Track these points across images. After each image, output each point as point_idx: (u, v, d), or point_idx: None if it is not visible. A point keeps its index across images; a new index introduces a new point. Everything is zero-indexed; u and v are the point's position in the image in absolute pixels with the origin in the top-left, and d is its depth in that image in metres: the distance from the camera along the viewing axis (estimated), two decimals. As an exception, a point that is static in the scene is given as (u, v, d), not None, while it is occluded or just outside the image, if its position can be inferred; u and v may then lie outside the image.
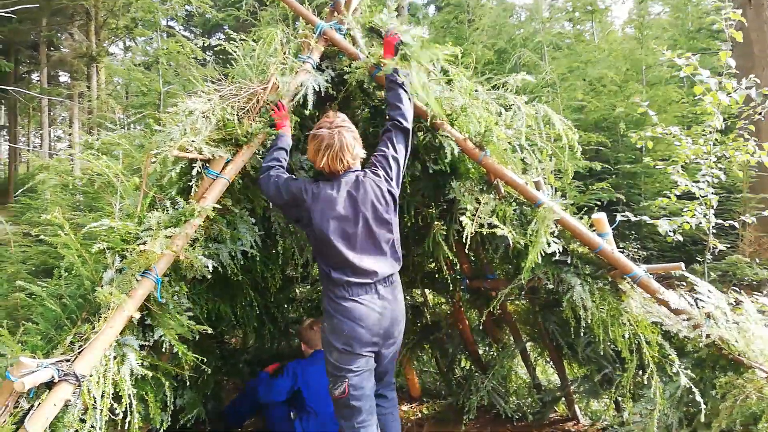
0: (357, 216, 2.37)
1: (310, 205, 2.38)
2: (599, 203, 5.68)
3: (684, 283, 2.94)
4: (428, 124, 2.80)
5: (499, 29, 9.14)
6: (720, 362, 2.56)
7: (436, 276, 3.14)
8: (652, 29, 7.44)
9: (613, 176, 6.02)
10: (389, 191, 2.45)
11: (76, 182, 6.53)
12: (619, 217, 2.93)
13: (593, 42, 8.94)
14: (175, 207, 2.47)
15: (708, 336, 2.56)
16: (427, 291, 3.89)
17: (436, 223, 2.95)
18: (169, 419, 2.57)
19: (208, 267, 2.56)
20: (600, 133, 6.31)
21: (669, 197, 3.61)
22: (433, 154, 2.96)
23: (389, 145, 2.52)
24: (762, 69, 6.32)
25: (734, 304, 2.72)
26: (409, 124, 2.57)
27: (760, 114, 3.77)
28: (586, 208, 5.68)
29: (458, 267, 3.35)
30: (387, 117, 2.61)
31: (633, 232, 5.48)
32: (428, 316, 3.75)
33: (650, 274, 2.81)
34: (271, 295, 3.66)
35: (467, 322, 3.71)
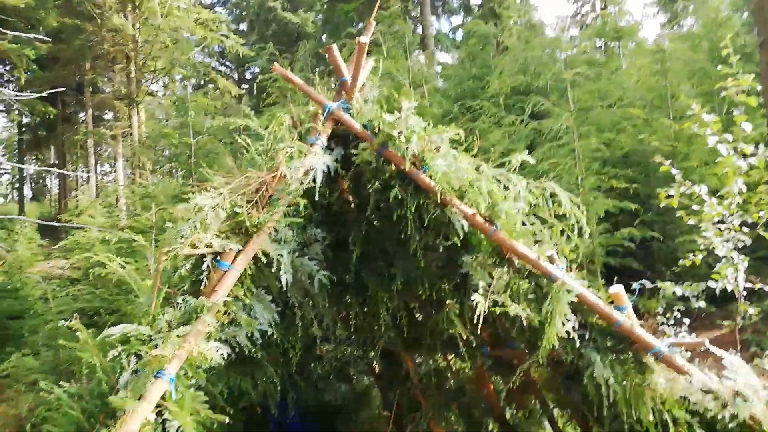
0: None
1: None
2: (633, 242, 5.52)
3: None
4: (438, 200, 2.80)
5: (525, 60, 9.07)
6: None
7: (456, 343, 3.09)
8: (678, 57, 7.20)
9: (647, 212, 5.83)
10: None
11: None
12: (636, 286, 2.84)
13: (620, 65, 8.76)
14: (187, 303, 2.53)
15: (735, 416, 2.46)
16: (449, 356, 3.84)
17: (448, 302, 2.91)
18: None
19: (223, 355, 2.62)
20: (630, 168, 6.16)
21: (697, 252, 3.49)
22: (443, 229, 2.94)
23: None
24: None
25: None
26: None
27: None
28: (617, 249, 5.57)
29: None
30: None
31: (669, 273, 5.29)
32: (452, 382, 3.70)
33: (674, 347, 2.72)
34: (292, 365, 3.68)
35: (492, 387, 3.63)
